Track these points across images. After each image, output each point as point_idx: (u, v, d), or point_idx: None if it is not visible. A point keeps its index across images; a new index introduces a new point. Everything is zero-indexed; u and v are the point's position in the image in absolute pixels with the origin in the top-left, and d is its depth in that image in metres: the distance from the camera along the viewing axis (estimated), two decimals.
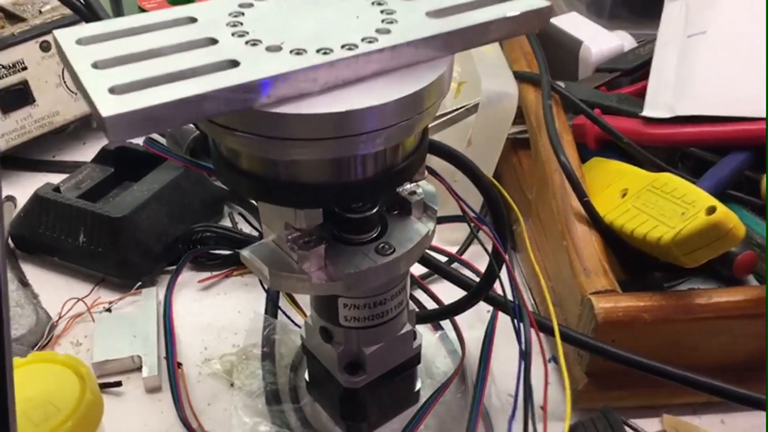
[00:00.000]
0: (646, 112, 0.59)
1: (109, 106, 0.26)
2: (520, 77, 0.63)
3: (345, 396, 0.44)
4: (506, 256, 0.44)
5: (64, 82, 0.71)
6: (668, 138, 0.59)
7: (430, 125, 0.60)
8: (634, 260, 0.53)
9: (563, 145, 0.56)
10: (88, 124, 0.76)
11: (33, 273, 0.61)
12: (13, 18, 0.72)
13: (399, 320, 0.45)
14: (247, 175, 0.36)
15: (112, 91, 0.27)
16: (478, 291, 0.48)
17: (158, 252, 0.59)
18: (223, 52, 0.31)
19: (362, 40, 0.33)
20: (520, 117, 0.65)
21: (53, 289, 0.59)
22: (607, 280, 0.49)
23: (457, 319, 0.55)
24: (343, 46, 0.32)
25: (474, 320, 0.54)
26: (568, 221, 0.53)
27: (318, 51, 0.31)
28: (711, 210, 0.44)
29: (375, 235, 0.41)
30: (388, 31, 0.34)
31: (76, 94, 0.72)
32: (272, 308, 0.55)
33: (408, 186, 0.44)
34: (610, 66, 0.68)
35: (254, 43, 0.32)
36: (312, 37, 0.33)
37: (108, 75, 0.28)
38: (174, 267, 0.60)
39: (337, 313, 0.43)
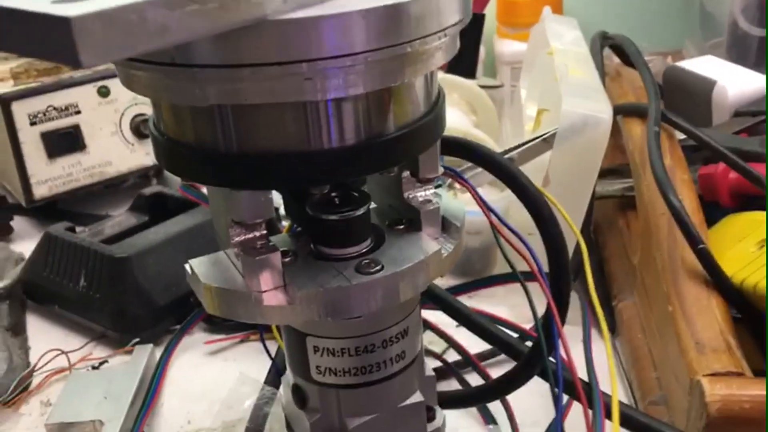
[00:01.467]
0: None
1: (71, 9, 0.17)
2: (625, 110, 0.49)
3: None
4: (556, 313, 0.30)
5: (121, 131, 0.66)
6: None
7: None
8: None
9: (675, 183, 0.41)
10: (149, 180, 0.70)
11: (36, 323, 0.53)
12: None
13: (401, 383, 0.31)
14: (179, 144, 0.26)
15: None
16: (520, 371, 0.34)
17: (164, 305, 0.49)
18: None
19: None
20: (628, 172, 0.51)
21: (46, 341, 0.50)
22: (731, 359, 0.33)
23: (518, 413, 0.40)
24: None
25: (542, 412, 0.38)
26: (676, 278, 0.37)
27: None
28: None
29: (364, 250, 0.29)
30: None
31: (133, 144, 0.66)
32: (274, 376, 0.43)
33: (421, 192, 0.31)
34: (753, 109, 0.52)
35: None
36: None
37: None
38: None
39: (308, 362, 0.30)
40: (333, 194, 0.30)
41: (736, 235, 0.41)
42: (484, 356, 0.45)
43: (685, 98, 0.57)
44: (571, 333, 0.32)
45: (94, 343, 0.50)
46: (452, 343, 0.45)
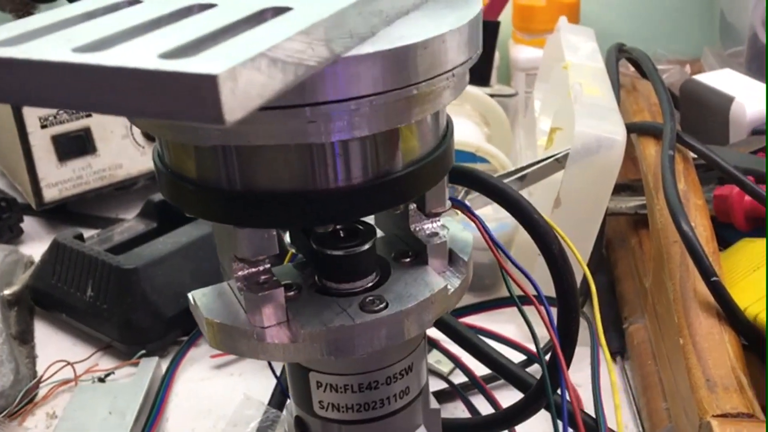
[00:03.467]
0: None
1: (212, 62, 0.15)
2: (639, 128, 0.48)
3: None
4: (559, 349, 0.30)
5: (132, 134, 0.65)
6: None
7: (507, 180, 0.47)
8: None
9: (689, 208, 0.41)
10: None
11: (43, 329, 0.53)
12: None
13: (404, 418, 0.31)
14: (182, 179, 0.26)
15: (170, 55, 0.17)
16: (525, 405, 0.33)
17: (172, 316, 0.49)
18: (247, 6, 0.20)
19: None
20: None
21: (55, 351, 0.50)
22: (743, 400, 0.32)
23: None
24: None
25: None
26: (688, 310, 0.37)
27: None
28: None
29: (370, 285, 0.29)
30: None
31: (143, 147, 0.66)
32: (279, 396, 0.42)
33: (428, 225, 0.31)
34: None
35: None
36: None
37: (136, 45, 0.18)
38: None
39: (310, 396, 0.30)
40: (338, 227, 0.29)
41: (751, 263, 0.40)
42: (491, 377, 0.45)
43: (703, 113, 0.56)
44: (581, 354, 0.31)
45: (101, 354, 0.50)
46: (459, 364, 0.45)
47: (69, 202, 0.65)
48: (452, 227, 0.32)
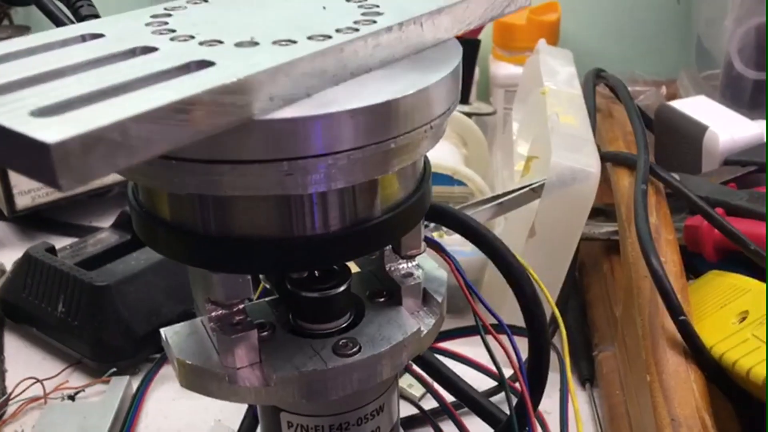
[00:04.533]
0: None
1: (51, 130, 0.16)
2: (614, 158, 0.49)
3: None
4: (528, 402, 0.30)
5: None
6: None
7: (484, 207, 0.47)
8: (759, 414, 0.36)
9: (660, 244, 0.41)
10: None
11: (13, 342, 0.53)
12: None
13: None
14: (155, 220, 0.26)
15: (40, 113, 0.17)
16: None
17: (144, 334, 0.49)
18: (179, 56, 0.21)
19: (337, 31, 0.23)
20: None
21: (25, 365, 0.50)
22: None
23: None
24: (310, 38, 0.23)
25: None
26: (655, 348, 0.37)
27: (309, 38, 0.23)
28: None
29: (343, 325, 0.29)
30: (373, 21, 0.24)
31: None
32: (250, 424, 0.42)
33: (403, 265, 0.31)
34: (743, 158, 0.52)
35: (211, 43, 0.22)
36: (281, 30, 0.23)
37: (20, 97, 0.18)
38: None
39: None
40: None
41: (718, 299, 0.41)
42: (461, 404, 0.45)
43: (676, 140, 0.57)
44: (552, 379, 0.32)
45: (71, 370, 0.50)
46: (430, 389, 0.45)
47: (41, 209, 0.64)
48: (427, 265, 0.32)
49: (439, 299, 0.31)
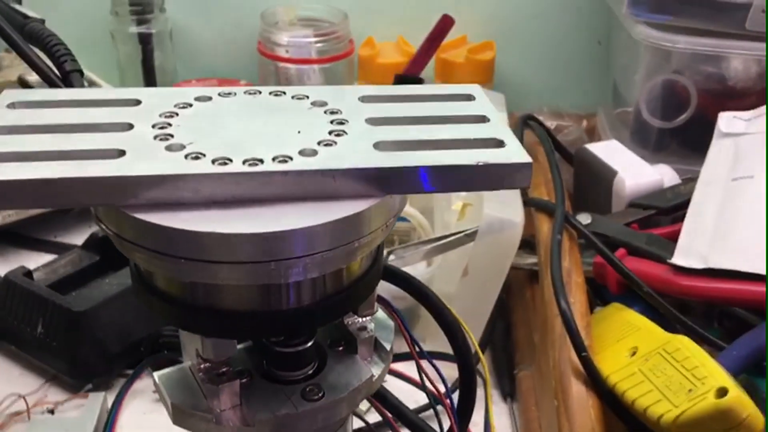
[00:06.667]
0: (676, 259, 0.52)
1: None
2: (536, 205, 0.57)
3: None
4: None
5: None
6: (699, 292, 0.50)
7: (425, 248, 0.54)
8: None
9: (570, 286, 0.49)
10: None
11: None
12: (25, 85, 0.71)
13: None
14: (154, 292, 0.31)
15: None
16: None
17: (117, 352, 0.54)
18: (120, 141, 0.28)
19: (300, 153, 0.29)
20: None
21: (4, 380, 0.55)
22: None
23: None
24: (275, 158, 0.29)
25: None
26: (563, 377, 0.45)
27: (244, 162, 0.28)
28: (722, 392, 0.36)
29: (310, 371, 0.35)
30: (330, 143, 0.30)
31: None
32: None
33: (359, 320, 0.38)
34: (645, 202, 0.61)
35: (164, 137, 0.29)
36: (238, 144, 0.29)
37: None
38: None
39: None
40: None
41: (615, 333, 0.49)
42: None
43: (592, 180, 0.65)
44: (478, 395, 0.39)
45: (49, 385, 0.55)
46: (374, 404, 0.52)
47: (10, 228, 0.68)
48: (378, 315, 0.39)
49: (388, 347, 0.37)
